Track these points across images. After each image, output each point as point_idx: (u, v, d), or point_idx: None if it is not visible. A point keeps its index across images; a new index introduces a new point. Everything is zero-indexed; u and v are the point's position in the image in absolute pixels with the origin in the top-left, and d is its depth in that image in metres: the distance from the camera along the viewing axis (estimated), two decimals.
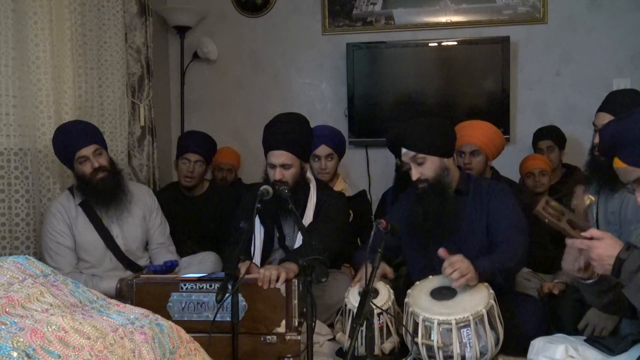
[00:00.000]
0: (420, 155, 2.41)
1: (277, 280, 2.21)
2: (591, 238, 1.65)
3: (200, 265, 2.82)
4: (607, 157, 1.85)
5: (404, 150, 2.46)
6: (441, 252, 2.23)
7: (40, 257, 2.71)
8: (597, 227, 2.46)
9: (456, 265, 2.15)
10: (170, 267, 2.64)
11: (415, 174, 2.43)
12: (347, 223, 2.85)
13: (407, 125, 2.49)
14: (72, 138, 2.68)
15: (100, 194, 2.72)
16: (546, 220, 1.71)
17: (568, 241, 1.72)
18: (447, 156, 2.47)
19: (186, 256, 3.01)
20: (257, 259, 2.61)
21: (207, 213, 3.39)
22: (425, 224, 2.43)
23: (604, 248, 1.63)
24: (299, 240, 2.62)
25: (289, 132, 2.56)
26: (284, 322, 2.19)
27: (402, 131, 2.48)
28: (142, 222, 2.89)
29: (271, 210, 2.55)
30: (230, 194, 3.52)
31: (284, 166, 2.54)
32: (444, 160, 2.46)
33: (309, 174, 2.72)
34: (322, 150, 3.20)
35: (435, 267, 2.36)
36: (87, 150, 2.68)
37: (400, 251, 2.71)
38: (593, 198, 1.85)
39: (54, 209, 2.75)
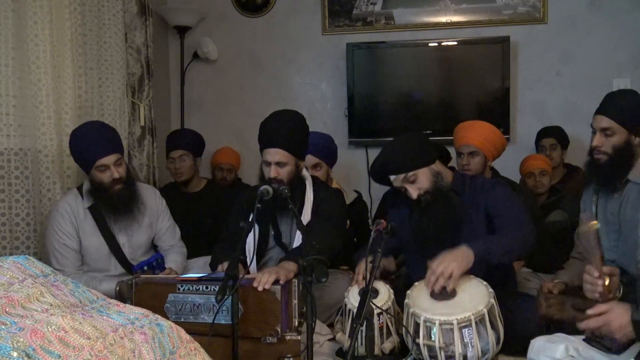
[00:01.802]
0: (410, 173, 2.41)
1: (276, 282, 2.20)
2: (600, 313, 1.71)
3: (200, 269, 2.81)
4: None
5: (392, 177, 2.46)
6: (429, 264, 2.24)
7: (40, 257, 2.71)
8: None
9: (438, 271, 2.14)
10: (155, 261, 2.63)
11: (413, 193, 2.43)
12: (345, 220, 2.85)
13: (384, 154, 2.48)
14: (93, 145, 2.60)
15: (114, 204, 2.66)
16: (555, 317, 1.82)
17: (581, 326, 1.79)
18: (433, 162, 2.48)
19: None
20: (250, 258, 2.58)
21: (203, 210, 3.41)
22: (435, 234, 2.42)
23: (616, 319, 1.69)
24: (297, 238, 2.61)
25: (285, 130, 2.55)
26: (279, 326, 2.16)
27: (383, 161, 2.47)
28: (148, 228, 2.84)
29: (268, 209, 2.54)
30: (229, 192, 3.52)
31: (279, 164, 2.53)
32: (432, 167, 2.46)
33: (304, 172, 2.72)
34: (308, 160, 3.08)
35: None
36: (109, 160, 2.61)
37: (400, 252, 2.71)
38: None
39: (62, 208, 2.69)
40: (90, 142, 2.60)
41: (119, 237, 2.75)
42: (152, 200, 2.88)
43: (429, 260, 2.25)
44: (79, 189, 2.77)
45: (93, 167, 2.62)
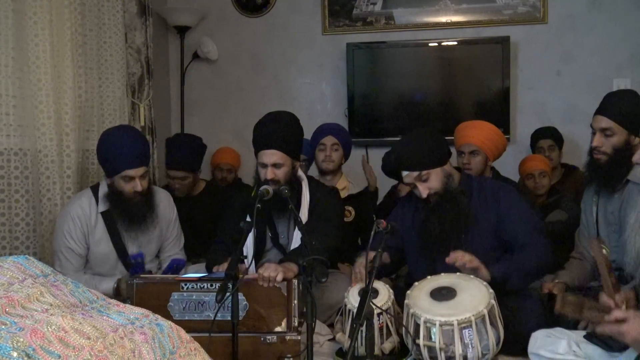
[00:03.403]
0: (424, 172, 2.42)
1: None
2: (616, 320, 1.68)
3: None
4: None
5: (405, 172, 2.46)
6: (448, 260, 2.28)
7: (40, 257, 2.71)
8: (597, 228, 2.47)
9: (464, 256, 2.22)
10: (177, 266, 2.63)
11: (423, 191, 2.43)
12: (343, 218, 2.85)
13: (400, 148, 2.48)
14: (124, 154, 2.53)
15: (130, 215, 2.62)
16: (570, 316, 1.81)
17: (598, 330, 1.76)
18: (445, 163, 2.49)
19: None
20: (249, 260, 2.59)
21: (202, 213, 3.39)
22: (440, 234, 2.44)
23: (632, 330, 1.66)
24: (295, 240, 2.62)
25: (279, 131, 2.55)
26: (284, 321, 2.19)
27: (398, 155, 2.47)
28: (158, 237, 2.82)
29: (265, 210, 2.53)
30: (228, 193, 3.51)
31: (275, 165, 2.53)
32: (444, 168, 2.47)
33: (300, 173, 2.72)
34: (328, 139, 3.29)
35: (437, 268, 2.37)
36: (136, 172, 2.56)
37: (401, 252, 2.71)
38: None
39: (74, 212, 2.63)
40: (122, 150, 2.53)
41: (129, 246, 2.71)
42: (165, 208, 2.84)
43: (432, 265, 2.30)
44: (94, 190, 2.71)
45: (118, 175, 2.57)
